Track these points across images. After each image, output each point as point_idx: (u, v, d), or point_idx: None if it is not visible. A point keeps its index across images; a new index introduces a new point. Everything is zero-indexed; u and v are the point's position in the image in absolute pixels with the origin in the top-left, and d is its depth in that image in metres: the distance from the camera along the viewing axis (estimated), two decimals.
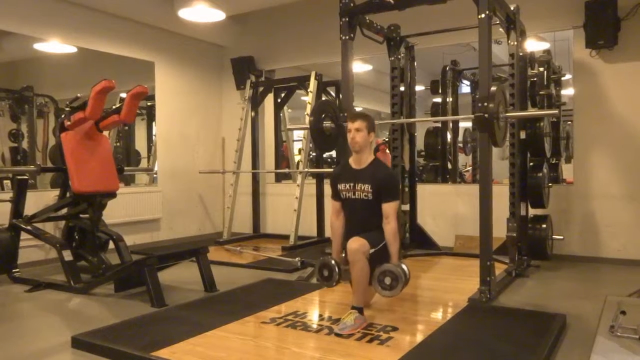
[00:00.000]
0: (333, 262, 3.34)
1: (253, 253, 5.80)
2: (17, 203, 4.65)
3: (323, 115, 4.32)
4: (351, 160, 3.40)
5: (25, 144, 5.79)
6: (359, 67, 8.14)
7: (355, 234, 3.19)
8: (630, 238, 5.03)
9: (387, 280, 3.10)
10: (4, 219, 4.72)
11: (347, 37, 4.30)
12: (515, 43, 4.57)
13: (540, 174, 4.86)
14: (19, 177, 4.70)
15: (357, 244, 3.07)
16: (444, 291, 4.05)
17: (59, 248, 4.34)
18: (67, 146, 4.41)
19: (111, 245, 4.70)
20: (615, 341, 2.61)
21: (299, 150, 7.48)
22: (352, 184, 3.32)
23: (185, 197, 7.06)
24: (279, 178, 7.50)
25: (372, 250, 3.12)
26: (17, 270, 4.64)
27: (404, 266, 3.18)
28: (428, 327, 3.09)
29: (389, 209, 3.22)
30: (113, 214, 5.45)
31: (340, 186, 3.37)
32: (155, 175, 6.79)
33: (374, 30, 4.85)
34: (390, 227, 3.20)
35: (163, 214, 6.68)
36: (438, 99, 7.46)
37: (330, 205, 3.57)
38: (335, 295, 3.77)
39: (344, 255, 3.28)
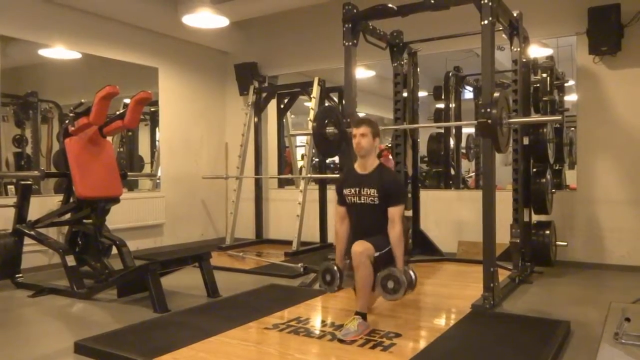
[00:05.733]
0: (335, 267, 3.34)
1: (256, 259, 5.79)
2: (21, 208, 4.66)
3: (326, 121, 4.31)
4: (356, 166, 3.42)
5: (29, 150, 5.81)
6: (362, 73, 8.14)
7: (360, 238, 3.19)
8: (634, 244, 5.01)
9: (390, 284, 3.11)
10: (7, 224, 4.73)
11: (350, 43, 4.32)
12: (518, 49, 4.57)
13: (544, 180, 4.86)
14: (22, 182, 4.72)
15: (362, 247, 3.08)
16: (447, 297, 4.04)
17: (62, 253, 4.34)
18: (71, 151, 4.43)
19: (114, 250, 4.71)
20: (619, 348, 2.60)
21: (302, 156, 7.48)
22: (357, 189, 3.33)
23: (188, 202, 7.07)
24: (282, 184, 7.51)
25: (376, 254, 3.13)
26: (21, 275, 4.64)
27: (410, 272, 3.19)
28: (431, 334, 3.07)
29: (395, 213, 3.23)
30: (116, 219, 5.46)
31: (346, 191, 3.38)
32: (158, 181, 6.80)
33: (377, 36, 4.86)
34: (395, 231, 3.20)
35: (166, 220, 6.69)
36: (441, 105, 7.47)
37: (333, 210, 3.57)
38: (338, 301, 3.77)
39: (347, 260, 3.28)
